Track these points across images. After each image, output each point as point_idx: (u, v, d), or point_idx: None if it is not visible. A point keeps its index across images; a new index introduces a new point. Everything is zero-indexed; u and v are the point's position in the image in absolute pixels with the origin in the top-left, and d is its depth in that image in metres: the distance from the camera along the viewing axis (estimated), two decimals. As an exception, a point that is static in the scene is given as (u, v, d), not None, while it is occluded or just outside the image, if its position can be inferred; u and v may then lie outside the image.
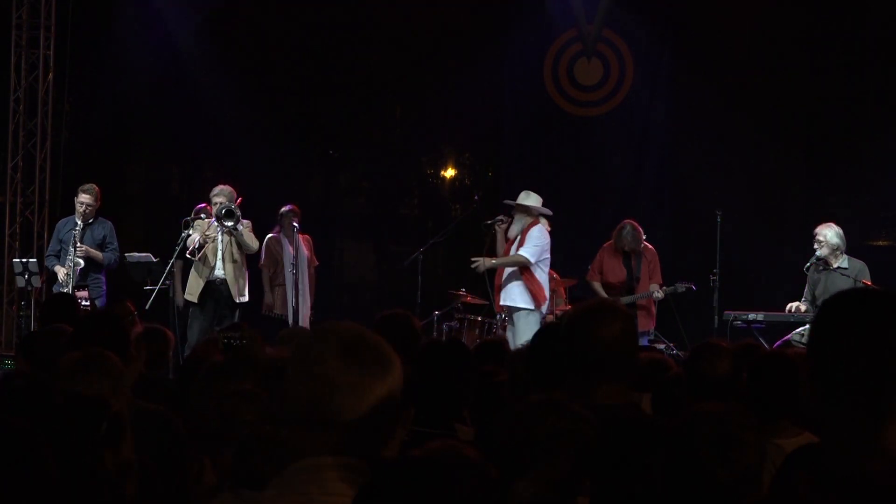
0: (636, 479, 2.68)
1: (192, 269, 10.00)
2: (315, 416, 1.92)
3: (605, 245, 10.23)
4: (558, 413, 2.77)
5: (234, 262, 9.97)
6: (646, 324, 10.00)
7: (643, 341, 9.74)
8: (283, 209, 10.69)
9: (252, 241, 9.98)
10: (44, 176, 12.33)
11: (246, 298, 10.07)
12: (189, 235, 9.83)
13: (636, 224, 10.06)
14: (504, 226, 9.80)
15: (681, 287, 9.91)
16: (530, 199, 9.75)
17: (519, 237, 9.60)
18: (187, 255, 9.83)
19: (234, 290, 9.92)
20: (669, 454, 2.39)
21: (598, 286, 10.13)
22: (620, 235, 10.01)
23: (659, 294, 9.93)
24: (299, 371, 1.96)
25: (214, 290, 9.92)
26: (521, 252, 9.45)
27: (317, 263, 10.99)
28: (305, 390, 1.93)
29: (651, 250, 10.14)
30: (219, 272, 9.93)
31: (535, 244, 9.48)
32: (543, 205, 9.81)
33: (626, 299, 9.88)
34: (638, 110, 12.53)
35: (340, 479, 1.90)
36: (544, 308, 9.57)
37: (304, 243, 10.70)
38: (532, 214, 9.63)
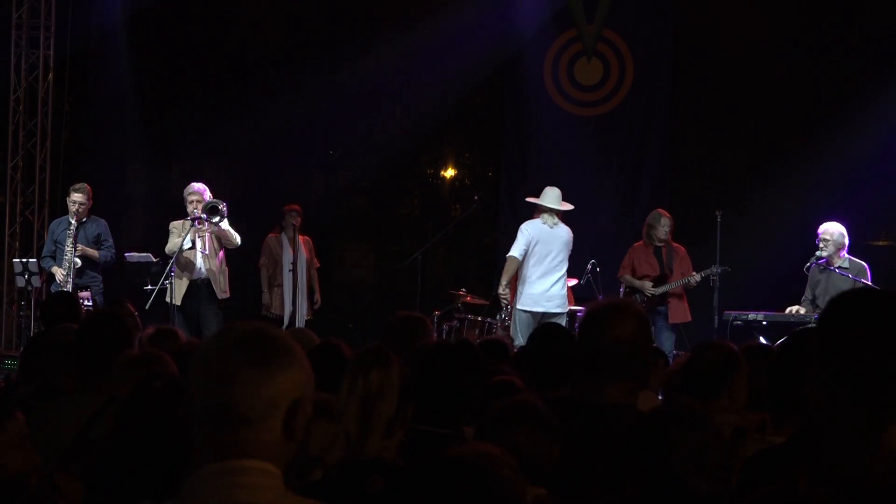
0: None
1: (174, 273, 9.98)
2: (215, 412, 1.87)
3: (634, 245, 10.38)
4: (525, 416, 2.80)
5: (217, 258, 10.00)
6: (680, 315, 10.07)
7: (672, 337, 9.90)
8: (285, 208, 10.68)
9: (234, 236, 9.99)
10: (44, 176, 12.33)
11: (227, 294, 10.10)
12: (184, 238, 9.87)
13: (668, 214, 10.24)
14: None
15: (716, 269, 9.93)
16: (543, 196, 9.92)
17: None
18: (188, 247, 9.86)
19: (216, 287, 9.97)
20: (643, 461, 2.40)
21: (629, 278, 10.22)
22: (655, 221, 10.12)
23: (696, 277, 9.95)
24: (200, 370, 1.92)
25: (196, 289, 9.94)
26: (510, 254, 9.83)
27: (318, 265, 10.96)
28: (205, 388, 1.90)
29: (681, 249, 10.25)
30: (201, 271, 9.95)
31: (517, 239, 9.82)
32: (534, 204, 9.99)
33: (661, 288, 9.98)
34: (638, 110, 12.53)
35: (244, 485, 1.84)
36: (517, 303, 9.83)
37: (303, 244, 10.69)
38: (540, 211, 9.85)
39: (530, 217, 10.10)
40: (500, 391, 3.98)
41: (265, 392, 1.86)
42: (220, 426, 1.87)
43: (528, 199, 10.31)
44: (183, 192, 10.14)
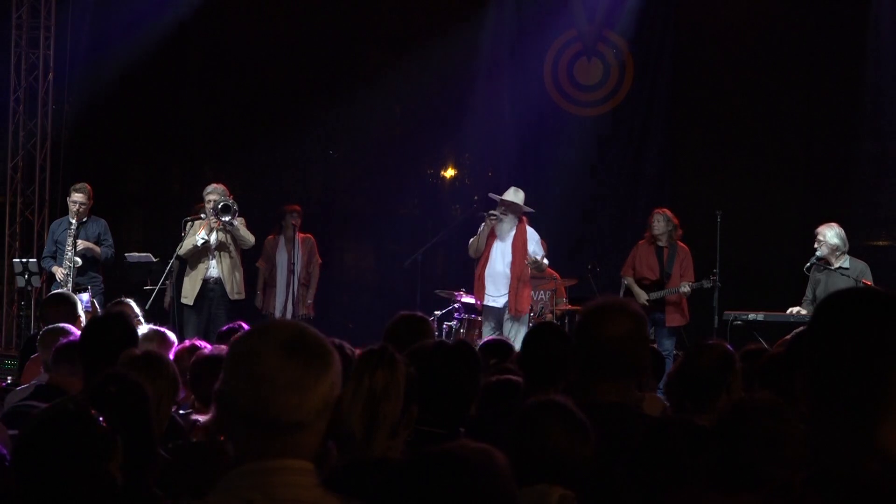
0: (636, 477, 2.69)
1: (187, 271, 10.01)
2: (257, 417, 1.84)
3: (639, 241, 10.38)
4: (564, 418, 2.79)
5: (230, 258, 10.01)
6: (676, 320, 10.08)
7: (673, 339, 9.90)
8: (285, 208, 10.72)
9: (248, 236, 10.02)
10: (44, 176, 12.33)
11: (241, 296, 10.09)
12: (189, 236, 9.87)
13: (671, 213, 10.20)
14: (494, 221, 9.81)
15: (707, 283, 9.97)
16: (518, 196, 9.82)
17: (513, 238, 9.67)
18: (198, 245, 9.85)
19: (228, 288, 9.96)
20: (718, 451, 2.41)
21: (630, 280, 10.24)
22: (654, 222, 10.16)
23: (686, 289, 9.98)
24: (238, 372, 1.88)
25: (209, 289, 9.95)
26: (545, 261, 9.79)
27: (320, 261, 11.00)
28: (246, 392, 1.85)
29: (685, 249, 10.25)
30: (213, 270, 9.96)
31: (540, 247, 9.78)
32: (535, 204, 9.96)
33: (654, 295, 10.00)
34: (638, 110, 12.54)
35: (288, 484, 1.84)
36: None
37: (301, 244, 10.71)
38: (519, 213, 9.72)
39: (527, 216, 10.05)
40: (499, 391, 3.98)
41: (317, 397, 1.86)
42: (269, 430, 1.85)
43: (495, 196, 9.97)
44: (202, 192, 10.17)
